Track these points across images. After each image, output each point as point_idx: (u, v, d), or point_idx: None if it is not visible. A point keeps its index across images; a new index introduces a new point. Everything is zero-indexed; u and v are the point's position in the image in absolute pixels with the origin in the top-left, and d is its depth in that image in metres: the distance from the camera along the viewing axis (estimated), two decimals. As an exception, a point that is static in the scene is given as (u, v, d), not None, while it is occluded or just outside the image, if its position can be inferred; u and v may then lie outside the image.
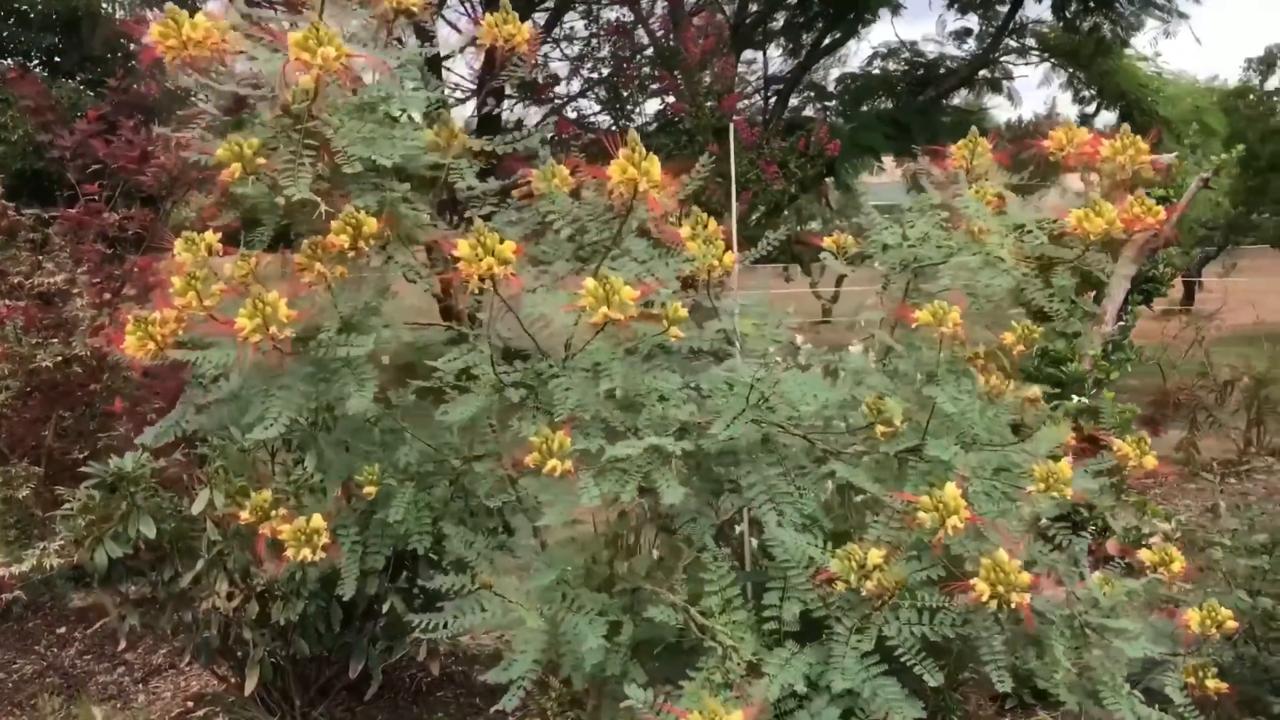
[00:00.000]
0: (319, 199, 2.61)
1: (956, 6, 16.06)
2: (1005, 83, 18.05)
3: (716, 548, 2.63)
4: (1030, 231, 2.85)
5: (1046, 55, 17.95)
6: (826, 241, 3.58)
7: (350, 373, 2.74)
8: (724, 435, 2.59)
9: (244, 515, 2.89)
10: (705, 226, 2.87)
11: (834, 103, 17.22)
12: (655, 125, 14.17)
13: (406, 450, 2.94)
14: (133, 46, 13.35)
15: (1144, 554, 2.92)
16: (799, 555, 2.47)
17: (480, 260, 2.38)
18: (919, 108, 15.40)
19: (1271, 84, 24.28)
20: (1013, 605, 2.31)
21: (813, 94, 17.20)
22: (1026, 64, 18.42)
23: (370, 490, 2.86)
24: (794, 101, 16.61)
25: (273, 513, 2.86)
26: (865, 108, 16.62)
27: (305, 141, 2.67)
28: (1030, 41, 17.70)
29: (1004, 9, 16.12)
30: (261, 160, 2.70)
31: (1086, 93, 18.24)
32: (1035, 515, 2.60)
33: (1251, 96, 25.45)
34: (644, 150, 2.53)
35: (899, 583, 2.38)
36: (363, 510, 3.04)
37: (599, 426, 2.61)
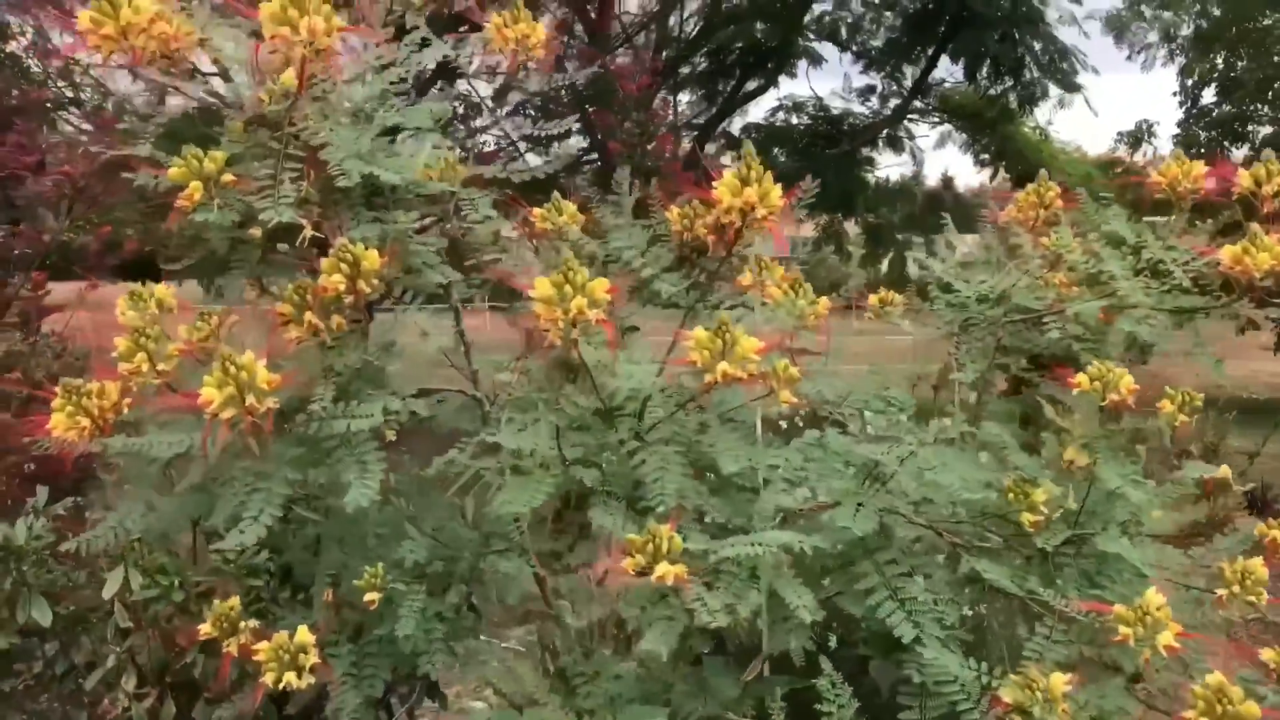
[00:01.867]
0: (305, 223, 2.00)
1: (866, 65, 16.24)
2: (907, 142, 18.36)
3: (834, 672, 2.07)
4: (1168, 273, 2.42)
5: (947, 118, 18.33)
6: (872, 299, 3.16)
7: (350, 454, 2.12)
8: (847, 528, 2.06)
9: (205, 629, 2.25)
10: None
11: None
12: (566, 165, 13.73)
13: (414, 545, 2.33)
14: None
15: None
16: (968, 681, 1.93)
17: (567, 302, 1.80)
18: (831, 162, 15.41)
19: (1138, 157, 25.40)
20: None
21: (724, 141, 17.13)
22: (927, 124, 18.82)
23: (373, 598, 2.23)
24: (710, 149, 16.51)
25: (241, 624, 2.21)
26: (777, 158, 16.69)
27: (287, 152, 2.05)
28: (932, 103, 18.05)
29: (912, 69, 16.38)
30: (230, 178, 2.07)
31: (985, 156, 18.68)
32: (1227, 623, 2.13)
33: (1119, 169, 26.63)
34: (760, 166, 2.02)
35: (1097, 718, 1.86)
36: (355, 623, 2.40)
37: (691, 518, 2.05)
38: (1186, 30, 20.86)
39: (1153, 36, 21.00)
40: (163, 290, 2.59)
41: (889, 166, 18.63)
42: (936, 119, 18.49)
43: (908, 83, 16.91)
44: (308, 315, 2.08)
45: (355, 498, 2.06)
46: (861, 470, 2.27)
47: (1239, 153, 20.18)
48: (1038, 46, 16.49)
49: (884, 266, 17.68)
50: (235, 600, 2.27)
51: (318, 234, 2.22)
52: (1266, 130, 20.03)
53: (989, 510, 2.23)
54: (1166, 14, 20.63)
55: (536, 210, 2.82)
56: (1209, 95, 20.16)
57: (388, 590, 2.24)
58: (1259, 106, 19.92)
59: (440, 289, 2.34)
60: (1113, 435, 2.20)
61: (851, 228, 17.34)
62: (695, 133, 16.08)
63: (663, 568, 1.87)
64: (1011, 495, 2.18)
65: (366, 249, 2.09)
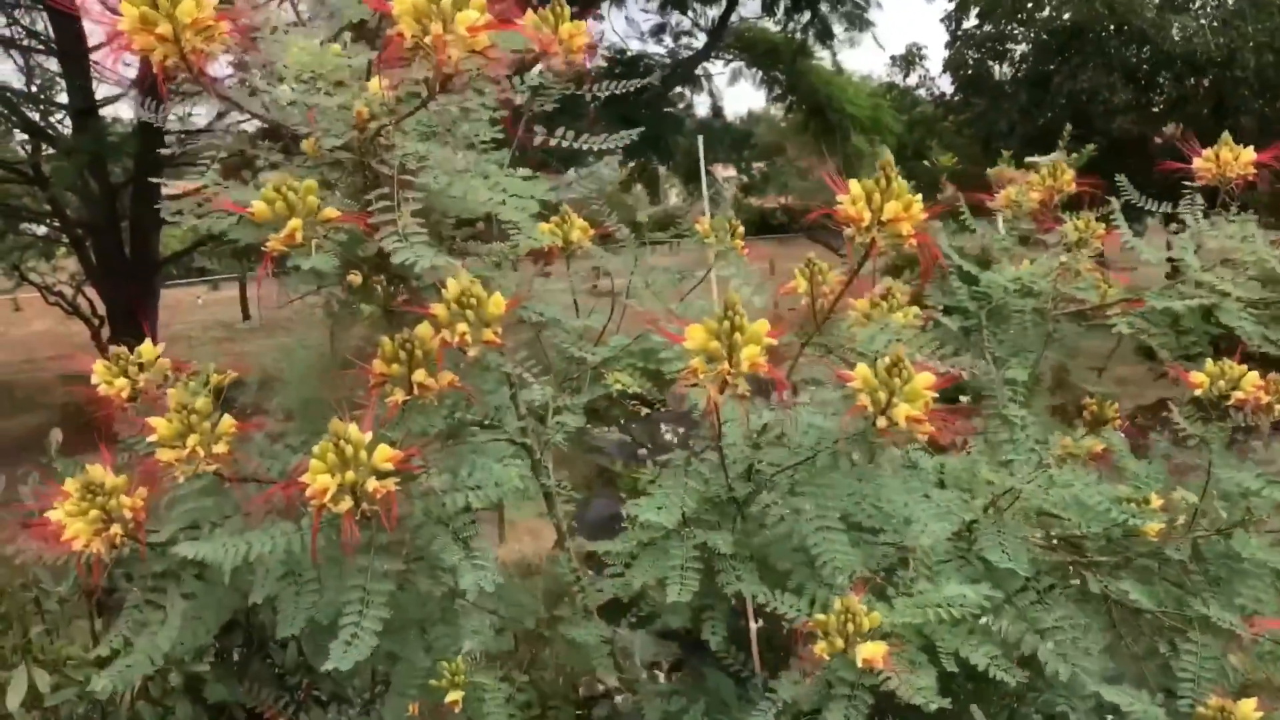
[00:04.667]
0: (457, 265, 1.65)
1: (670, 4, 16.07)
2: (705, 81, 18.45)
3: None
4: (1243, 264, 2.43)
5: (741, 54, 18.52)
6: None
7: (447, 531, 1.83)
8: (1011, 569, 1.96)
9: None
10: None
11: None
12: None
13: (477, 625, 2.08)
14: None
15: None
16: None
17: (736, 353, 1.58)
18: (641, 105, 15.24)
19: (912, 80, 26.63)
20: None
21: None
22: (720, 60, 18.95)
23: (456, 698, 1.96)
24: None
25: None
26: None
27: (402, 178, 1.68)
28: (727, 39, 18.16)
29: (712, 10, 16.37)
30: (332, 213, 1.68)
31: (778, 91, 19.06)
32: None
33: (894, 92, 27.93)
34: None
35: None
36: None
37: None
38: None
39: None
40: (149, 349, 2.15)
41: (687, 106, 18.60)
42: (729, 56, 18.68)
43: (704, 22, 16.96)
44: (419, 375, 1.74)
45: (472, 583, 1.78)
46: (984, 493, 2.18)
47: (1000, 68, 21.69)
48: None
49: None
50: None
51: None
52: (1023, 48, 21.49)
53: (1115, 523, 2.19)
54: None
55: (544, 225, 2.54)
56: (972, 18, 21.30)
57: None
58: (1014, 26, 21.27)
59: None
60: (1222, 432, 2.21)
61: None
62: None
63: (869, 649, 1.72)
64: (1131, 504, 2.15)
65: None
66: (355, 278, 1.76)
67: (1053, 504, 2.11)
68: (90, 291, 16.59)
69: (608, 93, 2.37)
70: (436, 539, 1.85)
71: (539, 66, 2.33)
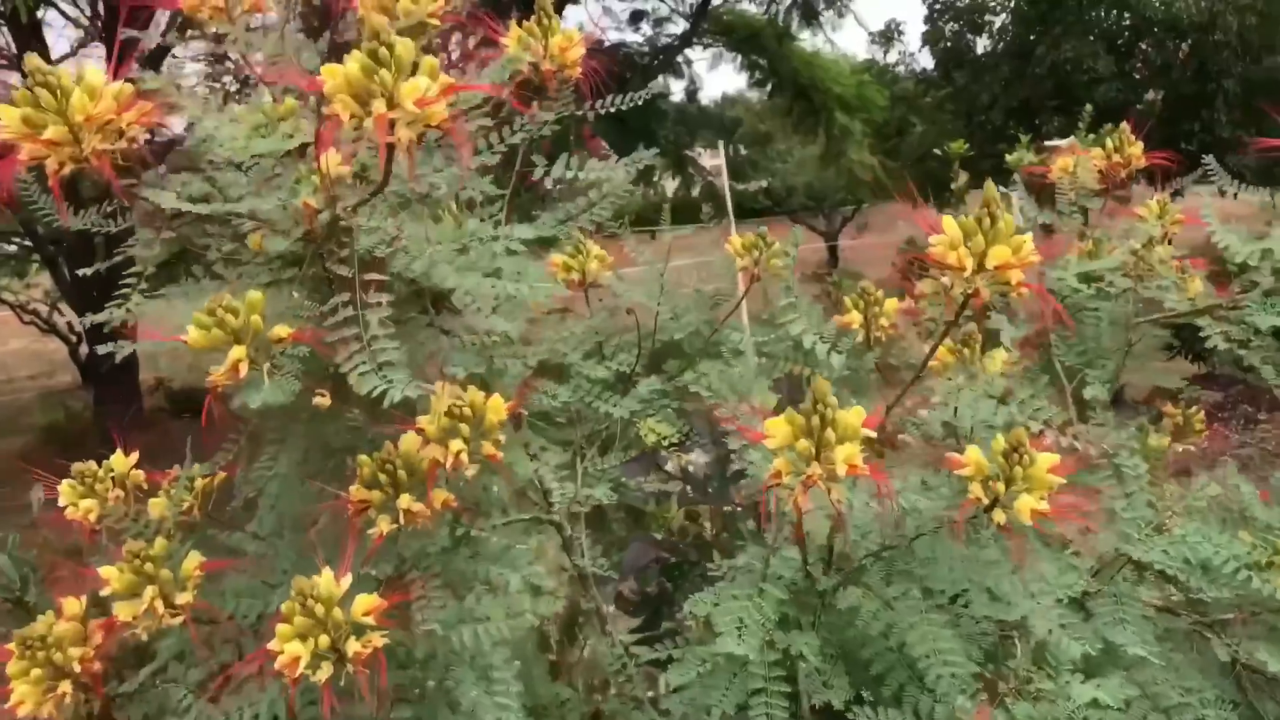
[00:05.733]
0: (438, 388, 1.40)
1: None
2: (685, 68, 18.15)
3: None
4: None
5: (721, 39, 18.21)
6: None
7: (472, 669, 1.60)
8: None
9: None
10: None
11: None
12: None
13: None
14: None
15: None
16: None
17: (829, 451, 1.35)
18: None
19: (892, 57, 26.29)
20: None
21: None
22: (700, 45, 18.64)
23: None
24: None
25: None
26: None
27: (366, 277, 1.42)
28: (707, 25, 17.85)
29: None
30: (284, 332, 1.42)
31: (760, 75, 18.76)
32: None
33: (875, 69, 27.64)
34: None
35: None
36: None
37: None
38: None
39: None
40: (121, 460, 1.91)
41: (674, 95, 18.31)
42: (708, 41, 18.36)
43: (683, 8, 16.64)
44: (404, 501, 1.50)
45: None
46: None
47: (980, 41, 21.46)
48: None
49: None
50: None
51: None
52: (1002, 19, 21.25)
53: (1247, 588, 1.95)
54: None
55: (556, 258, 2.30)
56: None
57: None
58: (992, -2, 21.04)
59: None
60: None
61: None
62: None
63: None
64: (1259, 554, 1.91)
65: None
66: (323, 399, 1.51)
67: (1171, 565, 1.88)
68: (67, 308, 16.24)
69: (614, 108, 2.13)
70: (450, 672, 1.62)
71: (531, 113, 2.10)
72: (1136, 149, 2.69)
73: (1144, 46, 19.52)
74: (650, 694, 2.30)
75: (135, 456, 2.00)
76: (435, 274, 1.47)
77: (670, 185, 19.28)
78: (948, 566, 1.80)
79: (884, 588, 1.82)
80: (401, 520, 1.50)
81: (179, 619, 1.53)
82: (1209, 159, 2.67)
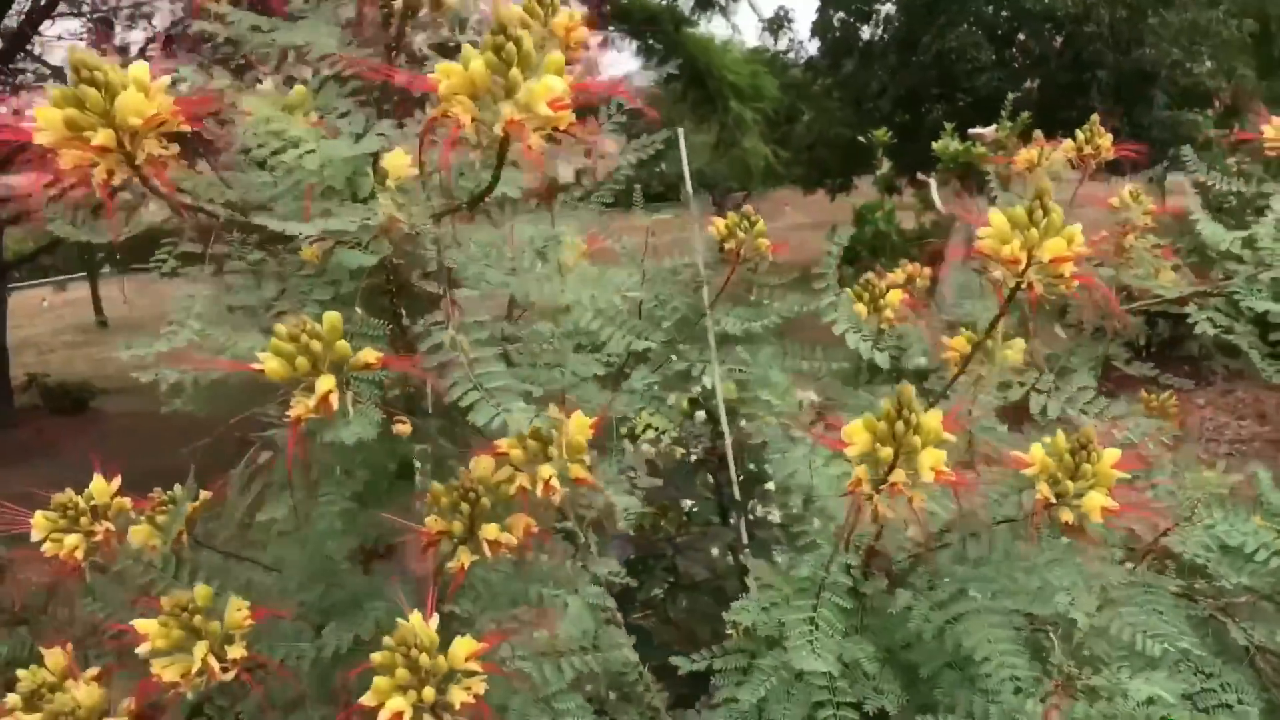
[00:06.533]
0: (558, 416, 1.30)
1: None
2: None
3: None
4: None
5: (617, 23, 18.06)
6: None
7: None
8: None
9: None
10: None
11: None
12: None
13: None
14: None
15: None
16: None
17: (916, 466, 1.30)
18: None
19: (782, 44, 26.53)
20: None
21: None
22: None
23: None
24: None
25: None
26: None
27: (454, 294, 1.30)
28: (604, 9, 17.70)
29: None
30: (372, 357, 1.29)
31: (656, 60, 18.68)
32: None
33: (767, 56, 27.85)
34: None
35: None
36: None
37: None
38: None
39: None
40: (101, 486, 1.73)
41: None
42: (610, 26, 18.20)
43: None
44: (490, 531, 1.38)
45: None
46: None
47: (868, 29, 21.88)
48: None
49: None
50: None
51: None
52: (889, 8, 21.73)
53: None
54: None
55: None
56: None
57: None
58: (880, -14, 21.49)
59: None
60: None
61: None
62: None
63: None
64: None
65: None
66: (404, 427, 1.37)
67: (1195, 552, 1.89)
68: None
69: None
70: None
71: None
72: (1106, 140, 2.73)
73: (1023, 37, 20.22)
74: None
75: (117, 482, 1.82)
76: (517, 287, 1.35)
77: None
78: (996, 566, 1.78)
79: (928, 590, 1.79)
80: (487, 552, 1.38)
81: (230, 674, 1.39)
82: (1187, 150, 2.74)
